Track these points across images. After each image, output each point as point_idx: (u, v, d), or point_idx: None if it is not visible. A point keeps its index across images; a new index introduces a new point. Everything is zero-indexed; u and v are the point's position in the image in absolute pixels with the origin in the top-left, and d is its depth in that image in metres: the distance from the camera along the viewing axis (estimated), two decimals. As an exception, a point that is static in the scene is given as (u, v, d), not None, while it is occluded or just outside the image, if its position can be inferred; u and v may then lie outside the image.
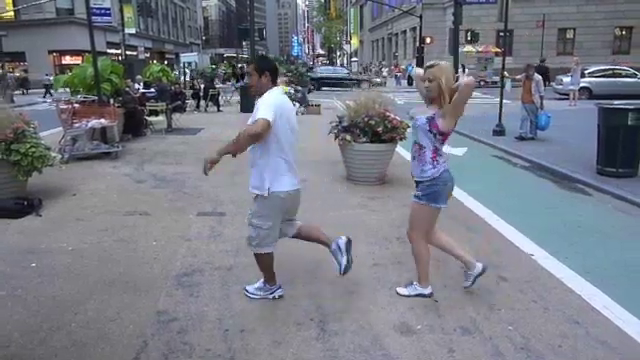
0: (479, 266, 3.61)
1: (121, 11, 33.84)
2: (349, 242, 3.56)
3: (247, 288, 3.63)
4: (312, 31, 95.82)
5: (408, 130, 7.03)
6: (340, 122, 7.11)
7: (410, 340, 3.08)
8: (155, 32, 54.31)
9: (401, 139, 6.82)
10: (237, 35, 30.31)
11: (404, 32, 42.18)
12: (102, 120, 8.90)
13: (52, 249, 4.58)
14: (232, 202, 6.02)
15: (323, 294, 3.68)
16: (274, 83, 3.32)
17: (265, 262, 3.48)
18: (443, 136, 3.32)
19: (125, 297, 3.62)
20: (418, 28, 32.45)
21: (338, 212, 5.68)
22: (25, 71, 32.61)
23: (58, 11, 37.79)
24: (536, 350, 2.98)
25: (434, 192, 3.38)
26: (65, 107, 9.08)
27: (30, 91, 28.61)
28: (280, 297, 3.57)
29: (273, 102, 3.15)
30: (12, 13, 35.11)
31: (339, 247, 3.54)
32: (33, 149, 5.87)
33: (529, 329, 3.20)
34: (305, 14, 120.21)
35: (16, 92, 26.22)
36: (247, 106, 15.99)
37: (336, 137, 7.08)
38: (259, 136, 3.07)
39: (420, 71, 3.44)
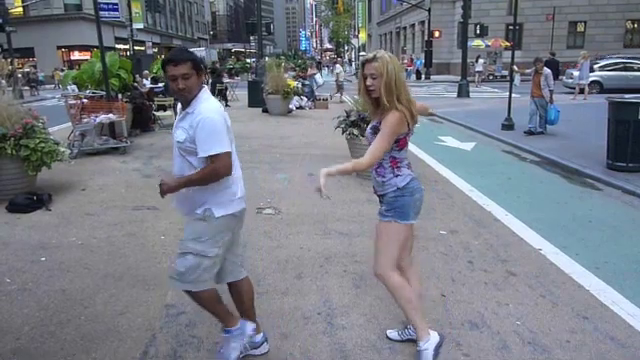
0: (435, 337, 2.81)
1: (129, 6, 33.83)
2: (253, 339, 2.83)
3: (221, 351, 2.83)
4: (320, 25, 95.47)
5: (416, 125, 7.00)
6: (348, 116, 7.09)
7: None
8: (163, 27, 54.45)
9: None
10: (245, 30, 30.28)
11: (412, 26, 41.92)
12: (110, 115, 8.95)
13: (62, 244, 4.62)
14: (240, 197, 6.02)
15: (330, 288, 3.69)
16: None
17: (210, 300, 2.69)
18: (397, 143, 2.67)
19: (134, 291, 3.64)
20: (427, 22, 32.25)
21: (347, 207, 5.68)
22: (34, 67, 32.82)
23: (66, 7, 38.05)
24: (544, 345, 2.96)
25: (402, 205, 2.71)
26: (74, 102, 9.14)
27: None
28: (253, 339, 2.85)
29: (220, 120, 2.50)
30: (21, 9, 35.33)
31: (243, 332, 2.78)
32: (42, 144, 5.91)
33: (537, 324, 3.19)
34: (313, 8, 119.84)
35: (47, 86, 26.46)
36: (255, 100, 16.02)
37: (343, 131, 7.06)
38: (226, 174, 2.53)
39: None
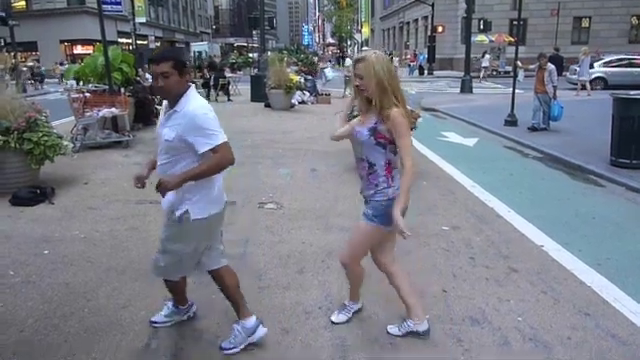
0: (425, 324, 3.00)
1: (131, 0, 33.83)
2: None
3: (154, 320, 3.11)
4: (323, 20, 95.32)
5: (419, 120, 6.99)
6: (350, 111, 7.06)
7: (418, 330, 3.08)
8: (165, 21, 54.34)
9: (412, 129, 6.78)
10: (247, 24, 30.21)
11: (416, 21, 41.76)
12: (113, 109, 8.96)
13: (65, 237, 4.64)
14: (242, 191, 6.03)
15: (332, 283, 3.69)
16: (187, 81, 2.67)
17: (180, 286, 3.03)
18: (394, 144, 2.70)
19: (136, 285, 3.66)
20: (430, 17, 32.11)
21: (348, 203, 5.67)
22: (38, 61, 32.85)
23: (69, 0, 38.00)
24: (545, 341, 2.97)
25: (389, 214, 2.73)
26: (77, 96, 9.15)
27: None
28: (194, 314, 3.19)
29: (211, 114, 2.58)
30: (24, 2, 35.34)
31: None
32: (45, 138, 5.92)
33: (538, 320, 3.19)
34: (315, 3, 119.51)
35: (49, 80, 26.68)
36: (258, 95, 16.00)
37: (346, 127, 7.04)
38: (231, 162, 2.60)
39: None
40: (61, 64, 30.60)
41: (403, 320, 3.05)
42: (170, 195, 2.61)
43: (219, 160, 2.55)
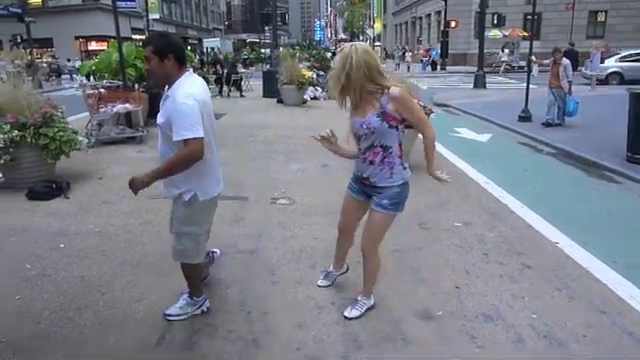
0: (372, 301, 3.26)
1: (145, -4, 34.06)
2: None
3: (169, 312, 3.14)
4: (335, 15, 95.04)
5: (431, 116, 6.94)
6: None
7: (430, 326, 3.08)
8: (178, 18, 54.56)
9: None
10: (260, 20, 30.25)
11: (428, 16, 41.44)
12: (127, 105, 9.02)
13: (80, 231, 4.69)
14: (254, 186, 6.06)
15: (344, 279, 3.69)
16: (183, 67, 2.70)
17: (198, 271, 3.18)
18: (403, 123, 2.79)
19: (150, 278, 3.69)
20: (443, 11, 31.85)
21: (360, 198, 5.66)
22: (53, 57, 33.20)
23: (84, -3, 38.34)
24: (559, 339, 2.94)
25: (404, 199, 2.91)
26: (91, 92, 9.23)
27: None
28: (208, 309, 3.22)
29: (194, 105, 2.57)
30: (39, -1, 35.73)
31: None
32: (61, 133, 5.99)
33: (553, 318, 3.16)
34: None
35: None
36: (270, 91, 16.01)
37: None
38: (198, 159, 2.63)
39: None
40: (68, 61, 31.02)
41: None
42: (177, 187, 2.82)
43: (188, 154, 2.59)
